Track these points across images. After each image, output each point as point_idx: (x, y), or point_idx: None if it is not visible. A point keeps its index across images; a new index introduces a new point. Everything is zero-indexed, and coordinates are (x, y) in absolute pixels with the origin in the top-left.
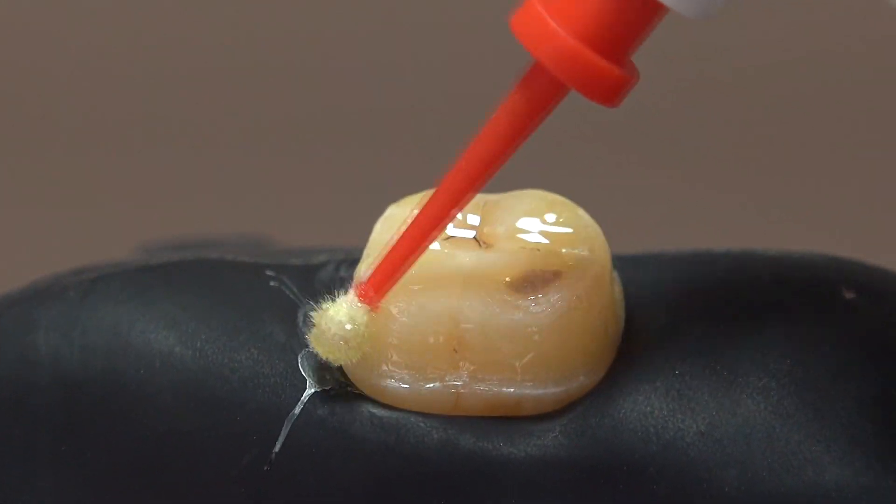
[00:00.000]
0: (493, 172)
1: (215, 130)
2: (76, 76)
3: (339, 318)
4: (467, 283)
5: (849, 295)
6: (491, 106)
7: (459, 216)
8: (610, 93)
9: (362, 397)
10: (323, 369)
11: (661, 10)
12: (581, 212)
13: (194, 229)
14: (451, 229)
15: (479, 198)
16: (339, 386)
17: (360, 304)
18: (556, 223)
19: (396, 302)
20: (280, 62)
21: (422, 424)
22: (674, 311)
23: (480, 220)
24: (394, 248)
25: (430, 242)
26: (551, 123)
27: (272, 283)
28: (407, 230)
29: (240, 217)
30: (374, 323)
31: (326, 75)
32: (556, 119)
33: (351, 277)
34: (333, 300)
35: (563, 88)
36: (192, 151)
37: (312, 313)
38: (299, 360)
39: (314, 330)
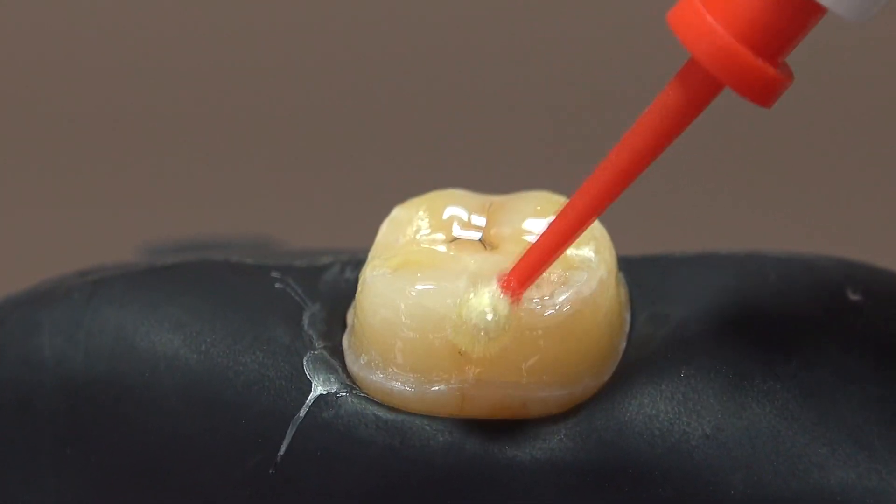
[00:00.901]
0: (642, 169)
1: (220, 132)
2: (80, 76)
3: (481, 307)
4: (472, 285)
5: (854, 297)
6: (490, 106)
7: (465, 217)
8: (765, 93)
9: (367, 400)
10: (328, 372)
11: (820, 11)
12: None
13: (198, 231)
14: (456, 230)
15: (485, 199)
16: (345, 388)
17: (502, 296)
18: None
19: (402, 304)
20: (286, 63)
21: (427, 427)
22: (679, 312)
23: (486, 222)
24: (539, 241)
25: (576, 237)
26: (555, 124)
27: (277, 286)
28: (553, 223)
29: (244, 218)
30: (515, 316)
31: (331, 76)
32: (560, 120)
33: (356, 280)
34: (476, 292)
35: (717, 85)
36: (196, 153)
37: (457, 303)
38: (304, 363)
39: (455, 319)
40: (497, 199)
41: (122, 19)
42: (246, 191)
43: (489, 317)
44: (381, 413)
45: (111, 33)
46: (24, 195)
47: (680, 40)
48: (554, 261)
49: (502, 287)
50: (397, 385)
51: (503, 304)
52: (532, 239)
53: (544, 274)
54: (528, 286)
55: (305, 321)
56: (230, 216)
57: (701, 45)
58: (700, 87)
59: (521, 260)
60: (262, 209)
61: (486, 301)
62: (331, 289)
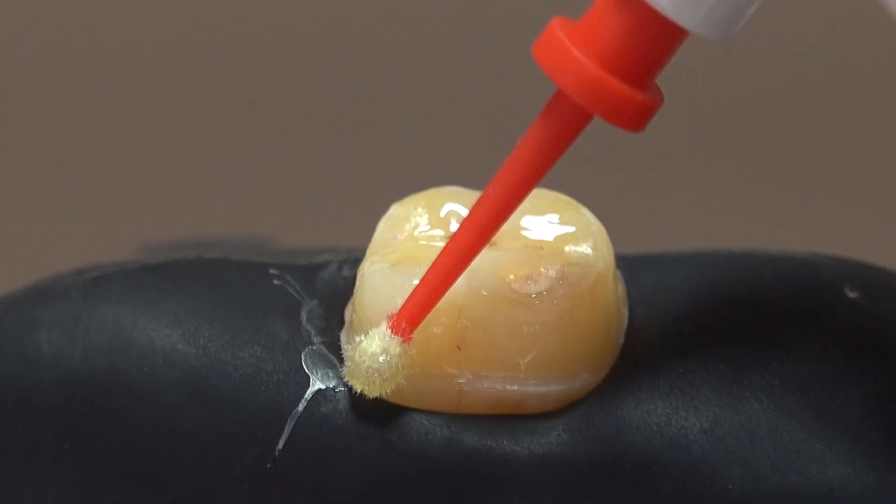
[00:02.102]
0: (519, 202)
1: (217, 131)
2: (79, 76)
3: (372, 350)
4: (471, 281)
5: (851, 294)
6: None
7: (463, 214)
8: (635, 119)
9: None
10: (326, 367)
11: (682, 34)
12: (585, 210)
13: (196, 230)
14: (455, 226)
15: None
16: (343, 384)
17: (393, 336)
18: (559, 221)
19: (400, 300)
20: (283, 62)
21: (425, 422)
22: (677, 309)
23: None
24: (423, 281)
25: (460, 273)
26: None
27: (275, 282)
28: (436, 262)
29: (242, 217)
30: (407, 355)
31: (329, 75)
32: None
33: (354, 277)
34: (366, 334)
35: (587, 115)
36: (193, 151)
37: (346, 346)
38: (303, 358)
39: (348, 363)
40: None
41: (122, 20)
42: (243, 190)
43: (381, 358)
44: (379, 408)
45: (111, 33)
46: (21, 194)
47: (546, 73)
48: (439, 299)
49: (392, 328)
50: None
51: (394, 344)
52: (529, 235)
53: (542, 270)
54: (418, 325)
55: (304, 317)
56: (228, 215)
57: (567, 78)
58: (570, 118)
59: (409, 300)
60: (260, 208)
61: (377, 343)
62: (328, 286)
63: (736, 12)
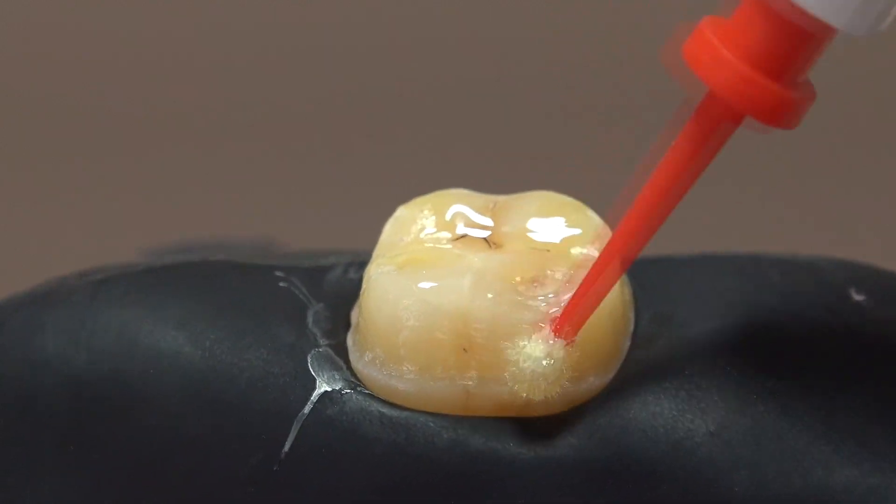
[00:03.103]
0: (671, 208)
1: (223, 133)
2: (82, 77)
3: (536, 354)
4: (477, 284)
5: (857, 297)
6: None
7: (469, 216)
8: (787, 117)
9: (372, 397)
10: (332, 369)
11: (831, 31)
12: (590, 212)
13: (201, 232)
14: (461, 229)
15: (489, 199)
16: (349, 386)
17: (556, 340)
18: (565, 224)
19: (407, 301)
20: (290, 64)
21: (432, 424)
22: (682, 312)
23: (490, 221)
24: (584, 283)
25: (617, 278)
26: (559, 125)
27: (281, 284)
28: (595, 265)
29: (247, 219)
30: (570, 358)
31: (335, 77)
32: (564, 120)
33: (360, 279)
34: (529, 338)
35: (738, 115)
36: (199, 154)
37: (509, 350)
38: (308, 361)
39: (512, 369)
40: (501, 198)
41: (124, 20)
42: (249, 192)
43: (545, 363)
44: (386, 410)
45: (114, 34)
46: (26, 196)
47: (696, 75)
48: (599, 302)
49: (555, 332)
50: (401, 382)
51: (558, 348)
52: (535, 237)
53: (548, 272)
54: (580, 328)
55: (309, 319)
56: (233, 218)
57: (718, 79)
58: (721, 118)
59: (569, 304)
60: (265, 211)
61: (540, 348)
62: (334, 288)
63: (884, 9)
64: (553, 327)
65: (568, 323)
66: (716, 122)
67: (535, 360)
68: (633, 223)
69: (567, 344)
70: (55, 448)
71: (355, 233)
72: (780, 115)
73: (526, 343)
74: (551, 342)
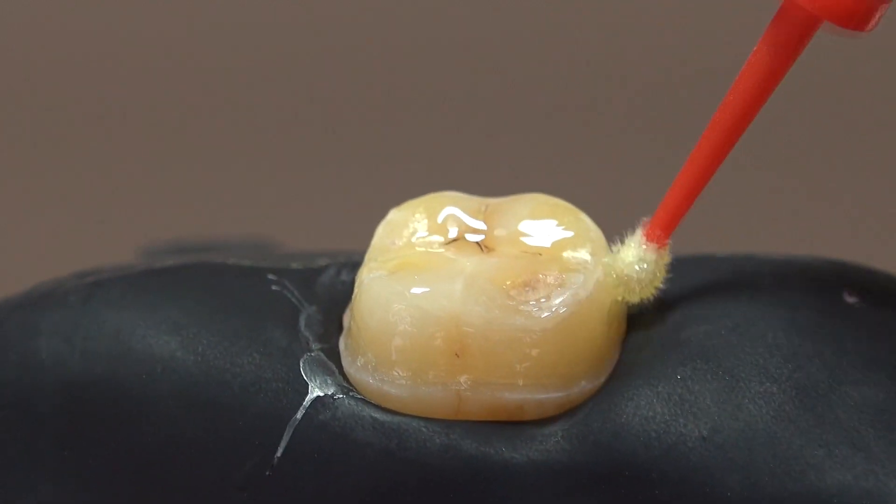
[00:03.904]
0: (754, 113)
1: (217, 133)
2: (78, 77)
3: (629, 259)
4: (469, 288)
5: (851, 299)
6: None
7: (462, 219)
8: (862, 17)
9: (364, 402)
10: (325, 374)
11: None
12: (583, 216)
13: (195, 232)
14: (452, 233)
15: (481, 201)
16: (341, 391)
17: (648, 244)
18: (557, 227)
19: (399, 306)
20: (284, 65)
21: (424, 429)
22: (675, 315)
23: (482, 224)
24: (675, 186)
25: (708, 178)
26: (552, 127)
27: (274, 288)
28: (685, 168)
29: (241, 220)
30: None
31: (330, 79)
32: (556, 123)
33: (352, 282)
34: (623, 243)
35: (814, 21)
36: (193, 155)
37: (605, 259)
38: (301, 365)
39: (604, 277)
40: (493, 201)
41: (122, 20)
42: (242, 192)
43: (638, 267)
44: (378, 415)
45: (111, 34)
46: (21, 196)
47: None
48: (690, 205)
49: (647, 237)
50: (394, 387)
51: (650, 253)
52: (527, 241)
53: (540, 276)
54: (672, 231)
55: (302, 323)
56: (227, 218)
57: None
58: (797, 27)
59: (661, 208)
60: (259, 211)
61: (633, 253)
62: (327, 291)
63: None
64: (645, 232)
65: (659, 227)
66: (793, 28)
67: (629, 265)
68: (718, 127)
69: (660, 248)
70: (50, 451)
71: (348, 233)
72: (857, 16)
73: (619, 248)
74: (644, 247)
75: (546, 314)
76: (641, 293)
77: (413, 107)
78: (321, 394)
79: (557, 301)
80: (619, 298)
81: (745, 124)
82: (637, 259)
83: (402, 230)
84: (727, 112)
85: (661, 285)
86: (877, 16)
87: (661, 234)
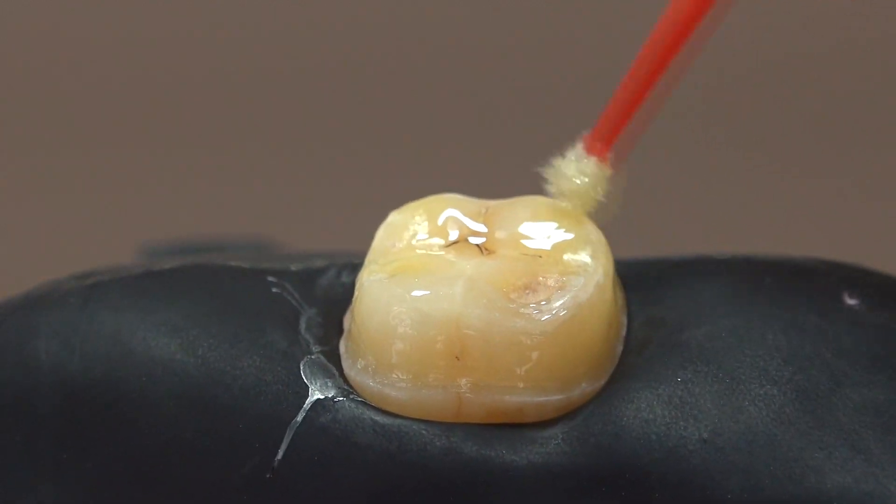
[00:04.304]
0: (696, 22)
1: (217, 133)
2: (78, 77)
3: (569, 173)
4: (469, 290)
5: (851, 301)
6: (488, 110)
7: (462, 222)
8: None
9: (365, 405)
10: (325, 376)
11: None
12: (583, 218)
13: (195, 232)
14: (452, 235)
15: (482, 203)
16: (342, 393)
17: (588, 157)
18: (558, 229)
19: (399, 308)
20: (286, 66)
21: (424, 432)
22: (675, 317)
23: (483, 227)
24: (613, 101)
25: (647, 93)
26: (552, 129)
27: (274, 290)
28: (623, 82)
29: (241, 221)
30: (604, 172)
31: (331, 80)
32: (557, 125)
33: (352, 283)
34: (563, 156)
35: None
36: (193, 154)
37: (546, 171)
38: (301, 368)
39: (549, 187)
40: (493, 203)
41: (122, 20)
42: (242, 193)
43: (578, 181)
44: (378, 418)
45: (110, 34)
46: (20, 196)
47: None
48: (630, 118)
49: (587, 150)
50: (394, 390)
51: (590, 165)
52: (528, 243)
53: (541, 279)
54: (612, 144)
55: (302, 325)
56: (227, 218)
57: None
58: None
59: (601, 120)
60: (259, 211)
61: (573, 167)
62: (327, 293)
63: None
64: (586, 145)
65: (599, 140)
66: None
67: (568, 179)
68: (659, 37)
69: (600, 160)
70: (49, 452)
71: (348, 234)
72: None
73: (560, 162)
74: (584, 160)
75: (546, 317)
76: (583, 205)
77: (414, 108)
78: (321, 396)
79: (558, 304)
80: (567, 205)
81: (685, 37)
82: (577, 172)
83: (403, 232)
84: (666, 24)
85: (601, 198)
86: None
87: (601, 146)
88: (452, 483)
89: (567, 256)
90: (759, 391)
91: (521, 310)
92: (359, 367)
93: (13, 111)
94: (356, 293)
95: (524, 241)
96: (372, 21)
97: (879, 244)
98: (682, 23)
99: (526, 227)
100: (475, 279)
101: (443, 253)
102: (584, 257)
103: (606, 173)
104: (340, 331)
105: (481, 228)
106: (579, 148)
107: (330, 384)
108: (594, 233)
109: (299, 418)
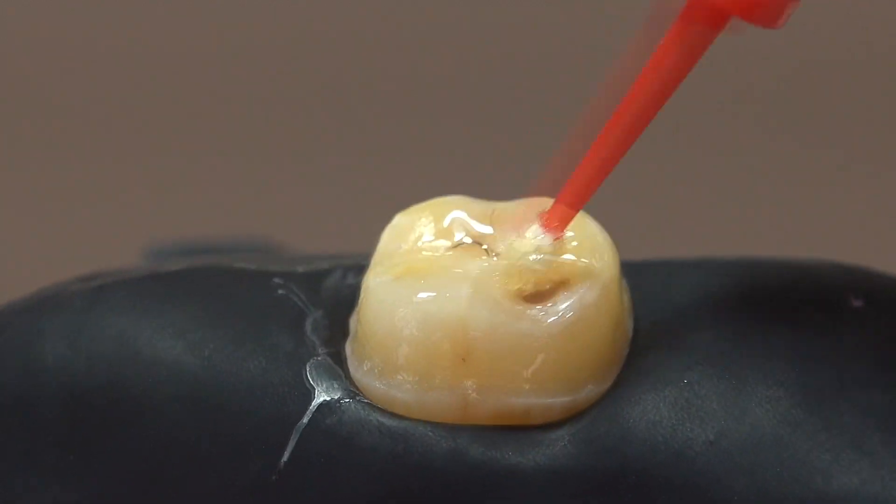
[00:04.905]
0: (656, 109)
1: (222, 134)
2: (81, 78)
3: (525, 250)
4: (475, 292)
5: (856, 303)
6: (493, 112)
7: (468, 224)
8: (771, 13)
9: (370, 406)
10: (331, 378)
11: None
12: (589, 219)
13: (201, 233)
14: (458, 237)
15: (488, 205)
16: (348, 395)
17: (544, 234)
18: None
19: (405, 310)
20: (291, 68)
21: (430, 434)
22: (681, 318)
23: (489, 229)
24: (574, 178)
25: (608, 172)
26: (558, 131)
27: (279, 291)
28: (584, 161)
29: (246, 222)
30: (560, 250)
31: (337, 81)
32: (563, 127)
33: (358, 285)
34: (519, 233)
35: (722, 16)
36: (199, 156)
37: (501, 246)
38: (307, 370)
39: (504, 262)
40: (500, 205)
41: (124, 22)
42: (248, 195)
43: (533, 258)
44: (384, 420)
45: (113, 36)
46: (25, 199)
47: None
48: (589, 196)
49: (544, 227)
50: (400, 392)
51: (546, 243)
52: (535, 246)
53: (547, 281)
54: (569, 222)
55: (308, 327)
56: (232, 220)
57: None
58: (706, 21)
59: (558, 199)
60: (265, 213)
61: (530, 244)
62: (333, 295)
63: None
64: (542, 222)
65: (556, 218)
66: (701, 22)
67: (524, 255)
68: (621, 121)
69: (556, 239)
70: (54, 455)
71: (354, 236)
72: (765, 11)
73: (515, 238)
74: (541, 237)
75: (552, 319)
76: (536, 284)
77: (420, 110)
78: (327, 398)
79: (564, 305)
80: (516, 286)
81: (646, 121)
82: (533, 249)
83: (408, 235)
84: (629, 108)
85: (556, 277)
86: (787, 11)
87: (558, 225)
88: (458, 485)
89: (573, 258)
90: (765, 393)
91: (527, 312)
92: (365, 368)
93: (18, 113)
94: (362, 295)
95: (530, 243)
96: (377, 24)
97: (885, 246)
98: (642, 112)
99: (533, 230)
100: (481, 281)
101: (449, 255)
102: (590, 259)
103: (563, 252)
104: (346, 333)
105: (487, 230)
106: (537, 225)
107: (336, 386)
108: (600, 234)
109: (305, 420)
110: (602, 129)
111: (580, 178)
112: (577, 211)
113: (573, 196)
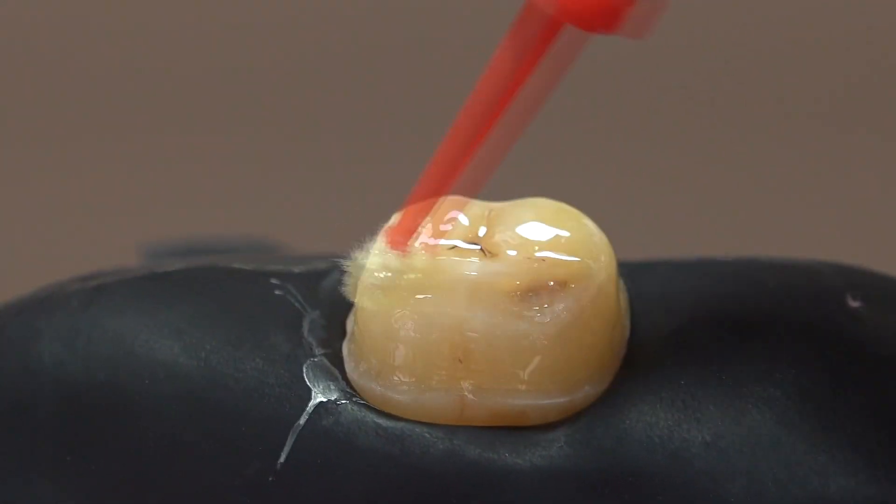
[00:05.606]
0: (496, 116)
1: (220, 134)
2: (79, 78)
3: (373, 268)
4: (472, 293)
5: (854, 303)
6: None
7: (465, 224)
8: (607, 20)
9: (367, 407)
10: (328, 379)
11: None
12: (586, 220)
13: (199, 233)
14: (456, 238)
15: (485, 206)
16: (345, 396)
17: (391, 252)
18: (561, 231)
19: (402, 311)
20: (288, 67)
21: (427, 435)
22: (679, 319)
23: (485, 230)
24: (415, 193)
25: (451, 183)
26: (555, 131)
27: (277, 292)
28: (424, 174)
29: (244, 222)
30: (406, 268)
31: (334, 80)
32: (559, 126)
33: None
34: (364, 250)
35: (556, 23)
36: (196, 155)
37: (346, 264)
38: (304, 370)
39: (350, 280)
40: (496, 205)
41: (122, 20)
42: (245, 194)
43: (382, 275)
44: (381, 421)
45: (111, 35)
46: (23, 198)
47: None
48: (430, 211)
49: (390, 244)
50: (397, 392)
51: (393, 260)
52: (532, 247)
53: (543, 281)
54: (413, 238)
55: (305, 328)
56: (229, 219)
57: None
58: (539, 27)
59: (403, 215)
60: (263, 213)
61: (377, 261)
62: (330, 295)
63: None
64: (388, 240)
65: (401, 234)
66: (537, 28)
67: (370, 272)
68: (459, 130)
69: (402, 254)
70: (51, 455)
71: (351, 236)
72: (599, 16)
73: (361, 256)
74: (387, 255)
75: (549, 319)
76: (383, 302)
77: (417, 110)
78: (324, 399)
79: (560, 306)
80: (365, 305)
81: (486, 129)
82: (379, 266)
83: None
84: (467, 116)
85: (406, 294)
86: (633, 18)
87: (402, 240)
88: (455, 486)
89: (570, 259)
90: (763, 394)
91: (524, 312)
92: (362, 369)
93: (15, 111)
94: (359, 296)
95: (527, 244)
96: (375, 23)
97: (884, 246)
98: (480, 120)
99: (529, 230)
100: (478, 282)
101: (446, 255)
102: (587, 260)
103: (411, 272)
104: (343, 333)
105: (484, 231)
106: (382, 244)
107: (333, 387)
108: (597, 235)
109: (302, 421)
110: (441, 143)
111: (421, 192)
112: (418, 225)
113: (415, 212)
